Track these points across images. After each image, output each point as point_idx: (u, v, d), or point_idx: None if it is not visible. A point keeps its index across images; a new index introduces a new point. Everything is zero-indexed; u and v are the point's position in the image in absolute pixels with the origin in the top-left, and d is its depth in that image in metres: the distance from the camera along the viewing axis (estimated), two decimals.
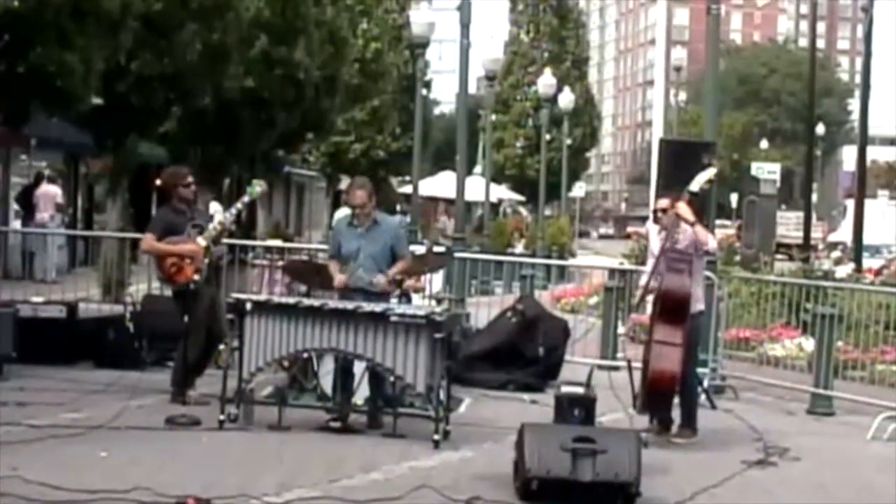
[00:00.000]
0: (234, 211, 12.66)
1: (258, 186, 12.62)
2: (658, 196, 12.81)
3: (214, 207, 13.43)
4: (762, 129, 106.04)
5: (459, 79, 23.47)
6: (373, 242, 11.70)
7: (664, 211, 11.95)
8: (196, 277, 12.08)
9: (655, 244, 12.01)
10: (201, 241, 12.17)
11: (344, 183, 54.12)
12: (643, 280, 12.33)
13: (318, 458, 10.03)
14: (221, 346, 12.68)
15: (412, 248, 14.77)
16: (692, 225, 11.60)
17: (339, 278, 11.67)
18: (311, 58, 28.87)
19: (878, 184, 73.38)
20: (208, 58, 22.10)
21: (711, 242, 11.92)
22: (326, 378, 12.02)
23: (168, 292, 12.94)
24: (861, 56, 41.31)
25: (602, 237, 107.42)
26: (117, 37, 18.67)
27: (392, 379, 11.15)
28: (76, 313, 15.22)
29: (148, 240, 12.51)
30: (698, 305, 11.78)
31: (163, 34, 21.10)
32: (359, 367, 11.44)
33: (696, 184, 11.92)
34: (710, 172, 12.15)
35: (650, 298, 11.83)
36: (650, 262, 12.16)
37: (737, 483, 10.06)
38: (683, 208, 11.65)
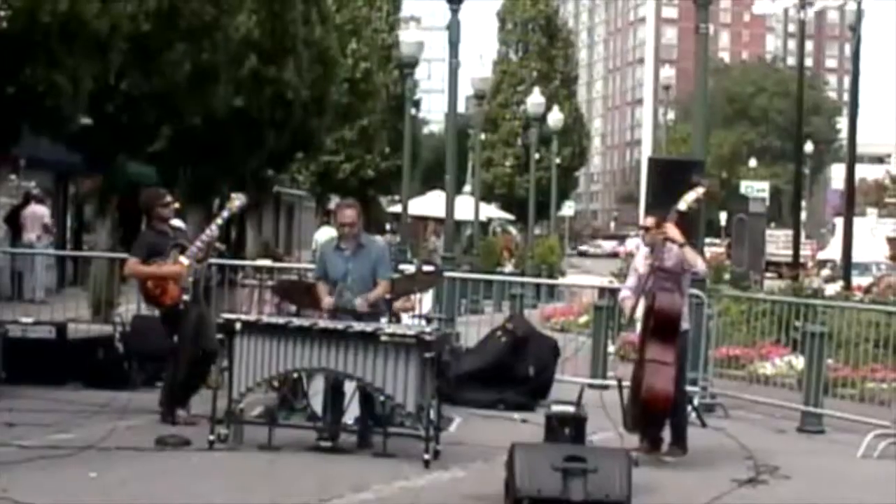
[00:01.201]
0: (214, 227, 12.62)
1: (237, 200, 12.60)
2: (646, 214, 12.83)
3: (177, 223, 13.37)
4: (751, 147, 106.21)
5: (448, 98, 23.47)
6: (360, 265, 11.71)
7: (648, 230, 12.00)
8: (185, 297, 12.07)
9: (640, 262, 12.01)
10: (184, 261, 12.15)
11: (333, 202, 54.14)
12: (623, 295, 12.34)
13: (309, 478, 10.01)
14: (212, 366, 12.64)
15: (402, 266, 14.79)
16: (681, 247, 11.61)
17: (326, 301, 11.67)
18: (300, 77, 28.93)
19: (866, 202, 73.43)
20: (197, 77, 22.12)
21: (700, 265, 11.93)
22: (316, 398, 12.00)
23: (157, 313, 12.91)
24: (849, 74, 41.46)
25: (590, 255, 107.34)
26: (106, 57, 18.70)
27: (382, 398, 11.13)
28: (65, 333, 15.18)
29: (132, 264, 12.48)
30: (684, 324, 11.78)
31: (152, 54, 21.12)
32: (349, 387, 11.42)
33: (685, 203, 11.93)
34: (698, 191, 12.17)
35: (639, 315, 11.83)
36: (631, 278, 12.16)
37: (727, 502, 10.05)
38: (672, 230, 11.66)
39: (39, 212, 26.20)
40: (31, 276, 24.99)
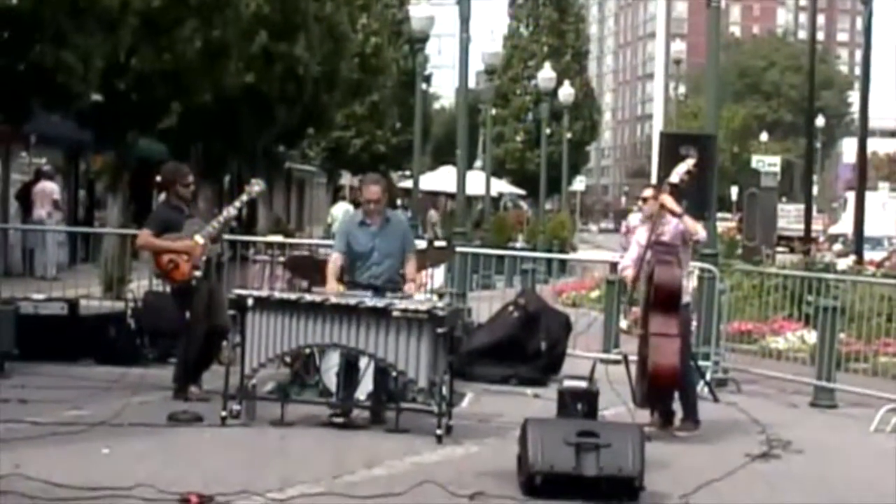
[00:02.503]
0: (232, 210, 12.66)
1: (256, 185, 12.63)
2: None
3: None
4: (762, 121, 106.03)
5: (459, 73, 23.45)
6: (387, 241, 11.64)
7: (645, 200, 12.04)
8: (197, 274, 12.08)
9: (642, 235, 11.99)
10: (199, 239, 12.15)
11: (345, 178, 54.21)
12: (623, 264, 12.34)
13: (321, 454, 10.02)
14: (224, 342, 12.66)
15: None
16: (679, 216, 11.59)
17: (332, 288, 11.50)
18: (310, 53, 28.90)
19: (878, 176, 73.34)
20: (208, 54, 22.11)
21: (701, 232, 11.89)
22: (328, 374, 12.01)
23: (169, 289, 12.92)
24: (861, 48, 41.29)
25: (602, 231, 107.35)
26: (116, 34, 18.69)
27: (394, 374, 11.13)
28: (77, 310, 15.21)
29: (144, 235, 12.50)
30: (685, 298, 11.76)
31: (162, 31, 21.11)
32: (364, 363, 11.41)
33: (676, 175, 11.88)
34: (688, 163, 12.08)
35: (640, 285, 11.82)
36: (633, 249, 12.14)
37: (741, 476, 10.04)
38: (669, 200, 11.63)
39: (49, 188, 26.20)
40: (42, 252, 25.03)
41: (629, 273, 11.98)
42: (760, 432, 11.95)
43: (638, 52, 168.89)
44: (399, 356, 10.69)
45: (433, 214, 43.36)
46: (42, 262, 24.81)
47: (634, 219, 18.54)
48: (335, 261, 11.74)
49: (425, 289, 14.64)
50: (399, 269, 11.71)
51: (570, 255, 34.73)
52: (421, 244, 14.88)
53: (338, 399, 11.56)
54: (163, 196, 13.43)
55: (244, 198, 12.66)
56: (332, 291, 11.41)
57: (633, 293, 12.29)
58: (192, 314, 12.06)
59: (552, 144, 55.97)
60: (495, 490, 8.91)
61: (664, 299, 11.37)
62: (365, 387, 11.61)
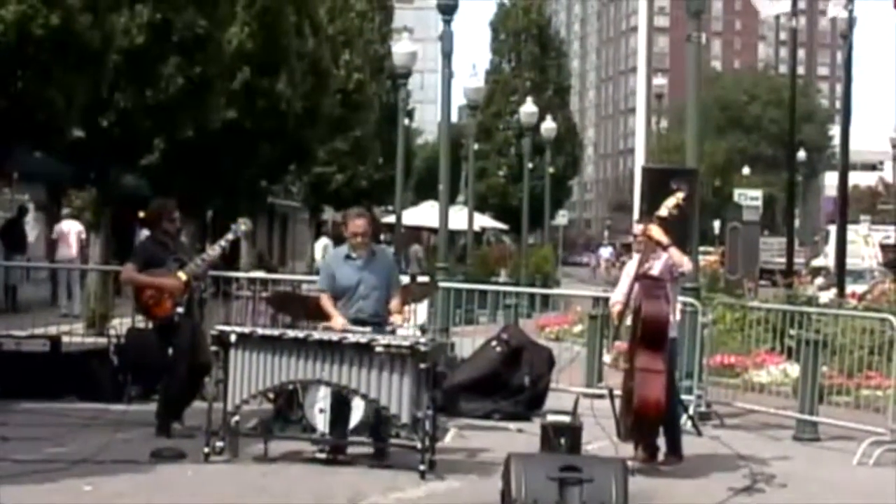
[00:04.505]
0: (218, 248, 12.63)
1: (243, 224, 12.64)
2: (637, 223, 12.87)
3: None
4: (744, 155, 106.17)
5: (441, 108, 23.52)
6: (374, 274, 11.63)
7: (636, 237, 12.08)
8: (179, 310, 12.05)
9: (632, 269, 12.01)
10: (182, 276, 12.13)
11: (327, 213, 54.16)
12: (613, 299, 12.34)
13: (305, 490, 10.00)
14: (207, 379, 12.63)
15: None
16: (666, 248, 11.63)
17: (337, 322, 11.49)
18: (293, 89, 28.93)
19: (859, 208, 73.53)
20: (191, 90, 22.12)
21: (686, 264, 11.93)
22: (312, 410, 11.97)
23: (151, 325, 12.90)
24: (841, 82, 41.48)
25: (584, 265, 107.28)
26: (99, 70, 18.68)
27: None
28: (59, 347, 15.16)
29: (128, 270, 12.49)
30: (671, 333, 11.78)
31: (145, 67, 21.14)
32: (357, 400, 11.35)
33: (665, 209, 11.94)
34: (678, 197, 12.13)
35: (628, 321, 11.84)
36: (623, 284, 12.14)
37: None
38: (656, 231, 11.68)
39: (77, 228, 26.34)
40: (63, 289, 25.24)
41: (618, 308, 12.00)
42: (744, 466, 11.95)
43: (620, 87, 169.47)
44: (382, 391, 10.67)
45: (417, 249, 43.33)
46: (64, 299, 25.00)
47: (605, 252, 18.56)
48: (326, 298, 11.71)
49: (408, 324, 14.62)
50: (385, 302, 11.70)
51: (553, 290, 34.76)
52: (404, 279, 14.88)
53: (332, 437, 11.49)
54: (145, 232, 13.43)
55: (230, 237, 12.65)
56: (341, 324, 11.37)
57: (619, 328, 12.29)
58: (175, 350, 12.04)
59: (534, 179, 56.00)
60: None
61: (651, 334, 11.38)
62: (354, 417, 11.57)
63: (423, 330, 14.86)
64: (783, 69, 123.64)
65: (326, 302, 11.70)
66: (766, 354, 17.05)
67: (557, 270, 53.20)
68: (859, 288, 30.56)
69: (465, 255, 40.22)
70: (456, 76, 23.81)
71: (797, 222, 48.72)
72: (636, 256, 12.22)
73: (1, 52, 16.92)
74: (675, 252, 11.68)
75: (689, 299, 15.03)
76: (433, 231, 36.35)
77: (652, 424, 11.44)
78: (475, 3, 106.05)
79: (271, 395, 12.46)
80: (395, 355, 10.63)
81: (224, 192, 30.00)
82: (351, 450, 11.46)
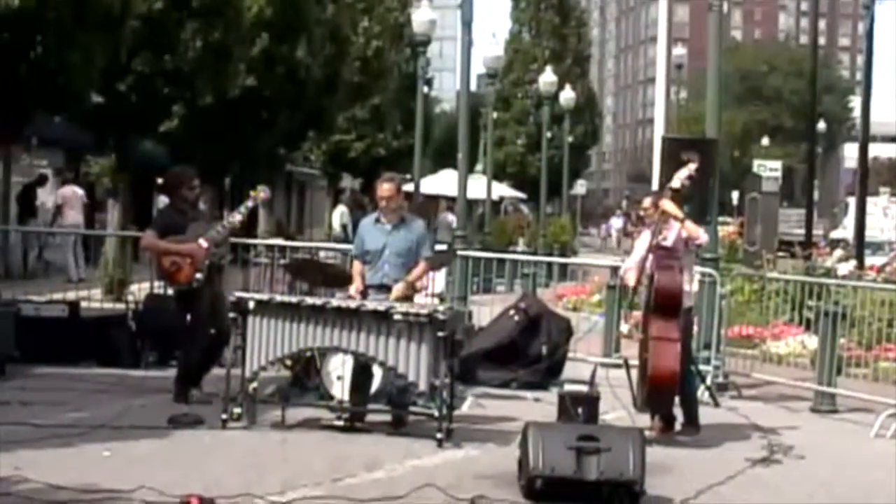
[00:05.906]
0: (237, 216, 12.63)
1: (262, 192, 12.62)
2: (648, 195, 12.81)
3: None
4: (763, 126, 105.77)
5: (461, 76, 23.42)
6: (399, 241, 11.61)
7: (646, 210, 12.02)
8: (198, 276, 12.06)
9: (646, 240, 11.98)
10: (202, 243, 12.14)
11: (345, 181, 54.18)
12: (625, 267, 12.32)
13: (322, 457, 10.01)
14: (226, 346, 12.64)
15: None
16: (681, 221, 11.60)
17: (355, 285, 11.57)
18: (312, 56, 28.94)
19: (879, 181, 73.24)
20: (209, 56, 22.15)
21: (703, 236, 11.89)
22: (329, 377, 11.99)
23: (170, 291, 12.93)
24: (862, 53, 41.29)
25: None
26: (118, 34, 18.70)
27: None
28: (78, 312, 15.20)
29: (148, 237, 12.51)
30: (687, 302, 11.75)
31: (164, 33, 21.15)
32: (377, 368, 11.37)
33: (677, 180, 11.90)
34: (690, 168, 12.08)
35: (642, 290, 11.82)
36: (636, 253, 12.12)
37: (742, 481, 10.04)
38: (670, 205, 11.65)
39: (79, 192, 26.28)
40: (71, 255, 25.18)
41: (630, 276, 11.99)
42: (761, 437, 11.95)
43: (639, 56, 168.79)
44: (400, 359, 10.68)
45: (450, 218, 43.17)
46: (71, 266, 25.00)
47: (617, 222, 18.53)
48: (357, 265, 11.78)
49: (426, 293, 14.62)
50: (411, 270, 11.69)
51: (571, 259, 34.68)
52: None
53: (351, 403, 11.50)
54: (163, 198, 13.44)
55: (249, 204, 12.64)
56: (357, 289, 11.48)
57: (633, 297, 12.29)
58: (194, 317, 12.06)
59: (553, 148, 55.88)
60: (496, 494, 8.91)
61: (664, 304, 11.36)
62: (372, 385, 11.59)
63: (442, 298, 14.84)
64: (804, 39, 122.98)
65: (355, 268, 11.75)
66: (785, 326, 17.02)
67: (576, 240, 53.13)
68: (878, 260, 30.55)
69: (483, 224, 40.18)
70: (475, 44, 23.68)
71: (816, 194, 48.48)
72: (646, 232, 12.18)
73: (21, 17, 16.93)
74: (690, 225, 11.65)
75: (708, 269, 15.00)
76: (451, 199, 36.22)
77: (667, 393, 11.43)
78: None
79: (289, 363, 12.48)
80: (413, 323, 10.63)
81: (243, 159, 30.06)
82: (368, 417, 11.48)
